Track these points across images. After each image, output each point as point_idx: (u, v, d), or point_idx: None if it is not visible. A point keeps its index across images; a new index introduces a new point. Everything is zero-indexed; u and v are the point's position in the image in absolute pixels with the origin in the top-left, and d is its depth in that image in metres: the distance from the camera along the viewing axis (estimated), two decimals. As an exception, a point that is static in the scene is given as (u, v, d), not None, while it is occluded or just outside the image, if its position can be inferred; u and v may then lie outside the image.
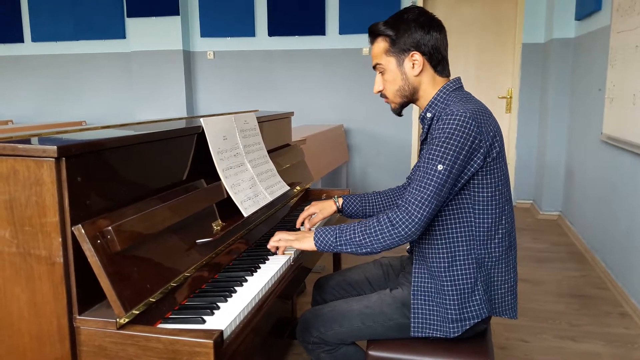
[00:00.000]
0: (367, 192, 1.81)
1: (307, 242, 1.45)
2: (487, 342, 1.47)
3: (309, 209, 1.78)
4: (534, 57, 4.86)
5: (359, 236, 1.35)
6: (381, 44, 1.46)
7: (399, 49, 1.43)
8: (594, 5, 3.61)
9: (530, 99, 4.95)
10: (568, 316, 2.68)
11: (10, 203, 1.04)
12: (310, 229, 1.75)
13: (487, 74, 5.06)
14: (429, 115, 1.45)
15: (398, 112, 1.54)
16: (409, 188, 1.34)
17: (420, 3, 4.98)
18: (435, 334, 1.41)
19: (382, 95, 1.52)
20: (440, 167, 1.28)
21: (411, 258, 1.60)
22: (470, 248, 1.39)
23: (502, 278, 1.44)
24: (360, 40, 5.18)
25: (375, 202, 1.77)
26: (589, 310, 2.76)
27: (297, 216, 1.79)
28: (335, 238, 1.39)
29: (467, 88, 1.51)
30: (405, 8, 1.47)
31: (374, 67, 1.51)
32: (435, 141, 1.31)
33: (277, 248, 1.55)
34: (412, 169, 1.60)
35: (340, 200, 1.77)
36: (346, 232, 1.38)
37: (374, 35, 1.48)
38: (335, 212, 1.78)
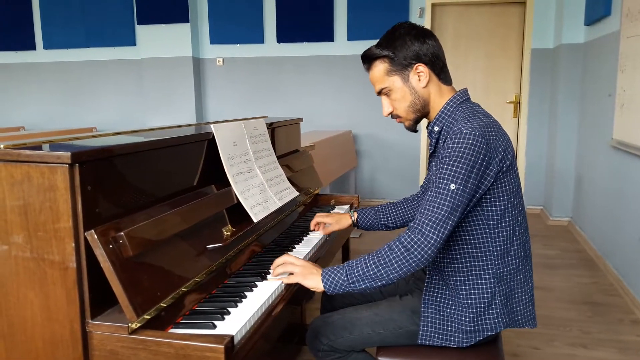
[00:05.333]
0: (381, 205, 1.81)
1: (313, 281, 1.33)
2: (498, 350, 1.46)
3: (324, 218, 1.78)
4: (543, 62, 4.84)
5: (372, 269, 1.27)
6: (380, 66, 1.42)
7: (400, 65, 1.39)
8: (604, 10, 3.60)
9: (540, 105, 4.92)
10: (580, 323, 2.66)
11: (24, 208, 1.05)
12: (325, 236, 1.80)
13: (496, 79, 5.02)
14: (436, 128, 1.43)
15: (413, 128, 1.49)
16: (420, 209, 1.29)
17: (428, 11, 4.99)
18: (445, 343, 1.40)
19: (394, 116, 1.48)
20: (452, 186, 1.25)
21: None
22: (488, 263, 1.36)
23: (521, 289, 1.42)
24: (369, 47, 5.19)
25: (390, 214, 1.77)
26: (601, 317, 2.73)
27: (306, 222, 1.78)
28: (346, 276, 1.29)
29: (476, 94, 1.50)
30: (393, 26, 1.43)
31: (379, 93, 1.46)
32: (445, 160, 1.28)
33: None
34: (426, 177, 1.58)
35: (355, 215, 1.79)
36: (357, 267, 1.29)
37: (369, 60, 1.44)
38: (350, 226, 1.80)
